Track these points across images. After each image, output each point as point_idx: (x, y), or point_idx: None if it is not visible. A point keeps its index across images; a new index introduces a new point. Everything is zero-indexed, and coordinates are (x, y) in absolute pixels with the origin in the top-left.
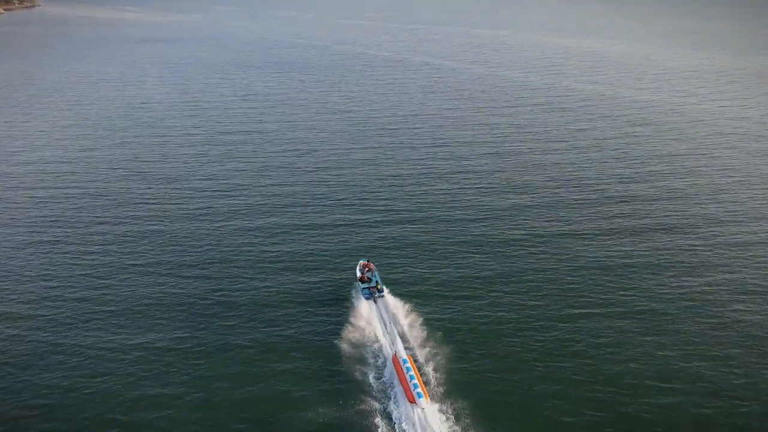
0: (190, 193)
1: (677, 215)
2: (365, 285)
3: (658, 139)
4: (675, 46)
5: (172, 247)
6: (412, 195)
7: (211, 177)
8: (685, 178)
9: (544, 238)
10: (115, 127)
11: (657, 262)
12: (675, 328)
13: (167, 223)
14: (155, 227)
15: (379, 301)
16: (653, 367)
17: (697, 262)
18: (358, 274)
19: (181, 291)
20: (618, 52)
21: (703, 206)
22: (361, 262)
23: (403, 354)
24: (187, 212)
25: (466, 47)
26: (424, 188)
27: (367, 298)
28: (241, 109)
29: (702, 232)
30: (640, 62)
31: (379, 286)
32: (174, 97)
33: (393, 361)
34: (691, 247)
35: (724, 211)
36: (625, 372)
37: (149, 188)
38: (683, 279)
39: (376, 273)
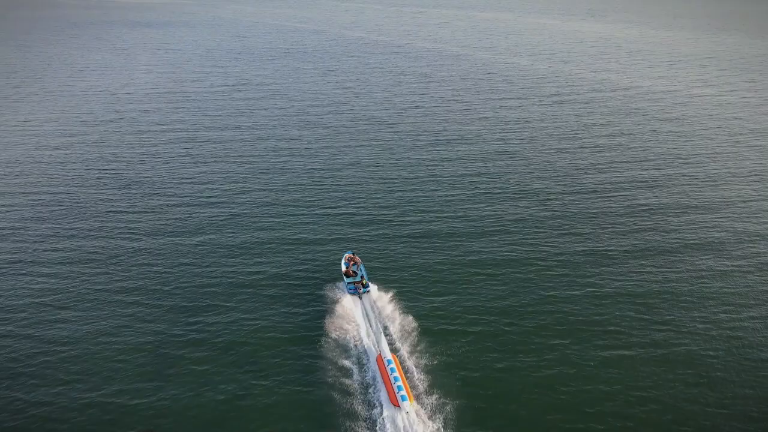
0: (167, 182)
1: (712, 228)
2: (350, 280)
3: (684, 136)
4: (693, 29)
5: (148, 233)
6: (404, 187)
7: (193, 166)
8: (715, 184)
9: (540, 234)
10: (94, 122)
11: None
12: (677, 323)
13: (145, 212)
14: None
15: (365, 296)
16: (651, 365)
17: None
18: (343, 267)
19: (150, 279)
20: (631, 37)
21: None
22: (347, 255)
23: (387, 354)
24: (165, 200)
25: (470, 31)
26: (418, 181)
27: (351, 294)
28: (231, 99)
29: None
30: (657, 47)
31: (364, 281)
32: (157, 87)
33: (377, 361)
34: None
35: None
36: (617, 375)
37: (126, 188)
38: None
39: (362, 267)
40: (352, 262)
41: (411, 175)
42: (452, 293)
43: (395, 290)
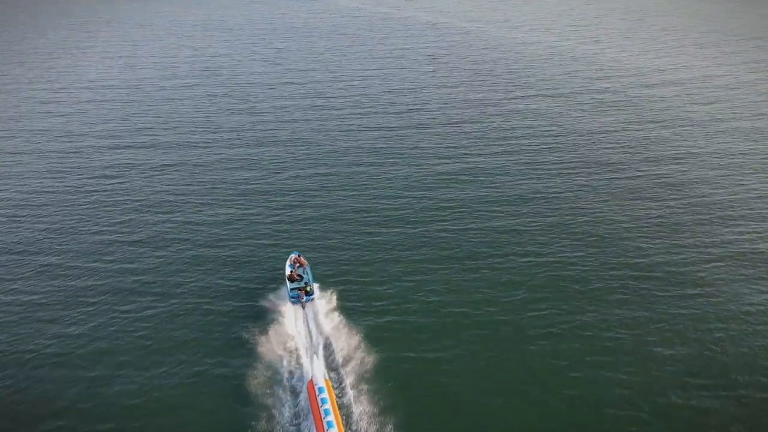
0: (105, 176)
1: None
2: (294, 285)
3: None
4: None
5: (76, 233)
6: (367, 186)
7: (131, 158)
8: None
9: (500, 242)
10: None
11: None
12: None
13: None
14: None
15: (308, 305)
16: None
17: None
18: (288, 270)
19: (75, 281)
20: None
21: None
22: (292, 256)
23: (320, 379)
24: (96, 198)
25: (482, 3)
26: (386, 179)
27: (294, 303)
28: (200, 83)
29: None
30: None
31: (308, 288)
32: (117, 76)
33: (308, 388)
34: None
35: None
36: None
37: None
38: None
39: (309, 270)
40: (298, 264)
41: (371, 171)
42: (407, 302)
43: (343, 297)
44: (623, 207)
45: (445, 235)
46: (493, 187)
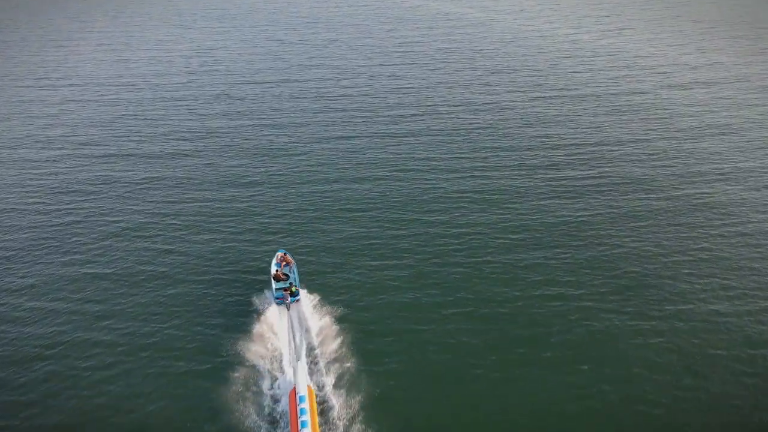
0: (80, 166)
1: None
2: (279, 285)
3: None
4: None
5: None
6: (362, 185)
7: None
8: None
9: (494, 243)
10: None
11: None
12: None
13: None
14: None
15: (293, 307)
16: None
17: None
18: (273, 270)
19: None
20: None
21: None
22: (279, 254)
23: (302, 388)
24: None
25: None
26: (384, 180)
27: (278, 304)
28: (194, 74)
29: None
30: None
31: (293, 288)
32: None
33: (290, 396)
34: None
35: None
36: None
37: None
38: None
39: (295, 269)
40: (284, 263)
41: (368, 166)
42: (398, 307)
43: (330, 299)
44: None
45: (442, 238)
46: (497, 188)
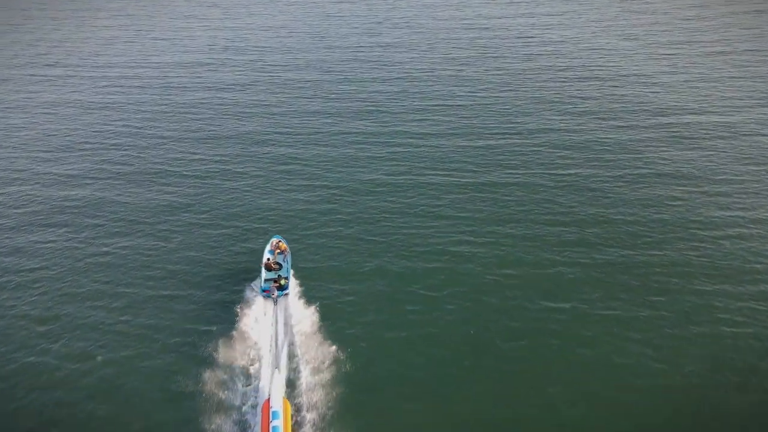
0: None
1: None
2: (269, 276)
3: None
4: None
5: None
6: (364, 176)
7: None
8: None
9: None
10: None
11: None
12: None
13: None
14: None
15: (280, 301)
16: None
17: None
18: (266, 256)
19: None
20: None
21: None
22: (273, 240)
23: (277, 400)
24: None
25: None
26: (388, 171)
27: (265, 297)
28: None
29: None
30: None
31: (282, 282)
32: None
33: (263, 409)
34: None
35: None
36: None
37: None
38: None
39: (289, 257)
40: (278, 251)
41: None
42: (392, 310)
43: (321, 296)
44: None
45: (440, 239)
46: (501, 189)
